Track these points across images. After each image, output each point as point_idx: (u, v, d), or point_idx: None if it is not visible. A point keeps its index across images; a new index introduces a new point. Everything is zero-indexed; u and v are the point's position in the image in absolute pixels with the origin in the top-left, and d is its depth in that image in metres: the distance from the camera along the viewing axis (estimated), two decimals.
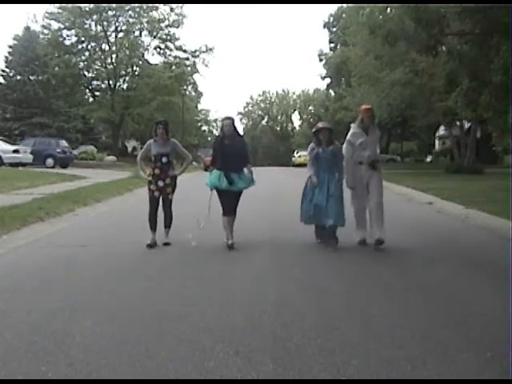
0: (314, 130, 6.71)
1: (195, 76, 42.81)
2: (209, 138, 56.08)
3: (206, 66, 40.08)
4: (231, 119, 6.66)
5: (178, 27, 38.50)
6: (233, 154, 6.41)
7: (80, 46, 37.20)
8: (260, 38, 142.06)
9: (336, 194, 6.50)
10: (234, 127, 6.63)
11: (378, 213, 6.46)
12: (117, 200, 12.62)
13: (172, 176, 6.73)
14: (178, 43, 39.36)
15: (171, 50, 39.75)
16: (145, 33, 38.28)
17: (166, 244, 6.65)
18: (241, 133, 7.10)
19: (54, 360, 3.15)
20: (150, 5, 36.54)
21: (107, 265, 5.61)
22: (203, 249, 6.45)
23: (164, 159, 6.67)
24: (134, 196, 13.54)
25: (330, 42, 46.45)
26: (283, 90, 79.71)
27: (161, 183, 6.66)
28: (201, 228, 6.56)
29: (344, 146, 6.74)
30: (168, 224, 6.80)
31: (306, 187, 6.77)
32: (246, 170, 6.66)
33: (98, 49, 37.56)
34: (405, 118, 32.08)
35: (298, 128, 74.65)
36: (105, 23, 36.51)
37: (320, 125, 6.73)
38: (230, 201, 6.58)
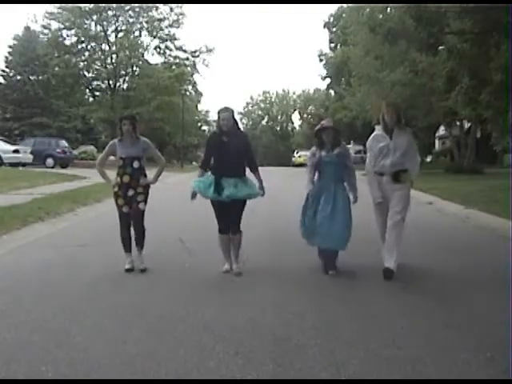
0: (316, 128, 5.49)
1: (195, 76, 42.84)
2: None
3: (207, 66, 40.14)
4: (230, 111, 5.19)
5: (177, 27, 38.52)
6: (232, 155, 5.10)
7: (80, 46, 37.16)
8: (260, 38, 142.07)
9: (343, 207, 5.27)
10: (234, 121, 5.24)
11: (392, 235, 5.14)
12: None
13: (144, 184, 5.43)
14: (177, 43, 39.34)
15: (171, 50, 39.73)
16: (144, 33, 38.27)
17: (143, 270, 5.33)
18: (242, 128, 5.80)
19: (54, 360, 3.15)
20: (150, 5, 36.54)
21: (107, 265, 5.61)
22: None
23: (135, 164, 5.36)
24: None
25: (330, 41, 46.41)
26: (283, 90, 79.74)
27: (131, 192, 5.35)
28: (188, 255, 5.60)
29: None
30: (139, 241, 5.46)
31: (306, 199, 5.51)
32: (253, 177, 5.42)
33: (97, 49, 37.50)
34: (405, 119, 32.06)
35: (297, 128, 74.59)
36: (105, 23, 36.48)
37: (324, 123, 5.48)
38: (225, 214, 5.25)
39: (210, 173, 5.28)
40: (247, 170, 5.38)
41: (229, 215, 5.25)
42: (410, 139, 5.34)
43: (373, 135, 5.44)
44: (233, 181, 5.13)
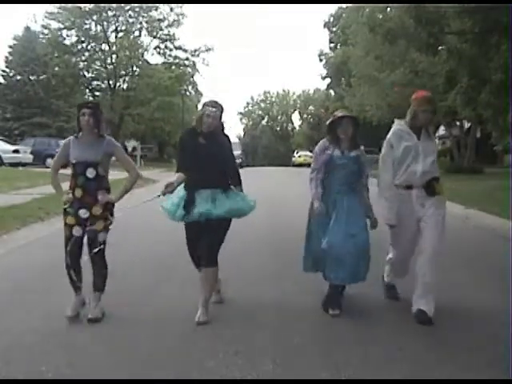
0: (329, 120, 4.17)
1: (195, 76, 42.86)
2: None
3: (207, 65, 40.11)
4: (219, 107, 4.00)
5: (177, 27, 38.56)
6: (211, 161, 3.91)
7: (80, 46, 37.19)
8: (260, 37, 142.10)
9: (360, 229, 4.01)
10: (221, 121, 4.08)
11: (427, 270, 3.87)
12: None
13: (105, 203, 3.93)
14: (177, 43, 39.40)
15: (171, 50, 39.77)
16: (144, 33, 38.32)
17: (92, 321, 3.83)
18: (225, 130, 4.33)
19: (54, 360, 3.15)
20: (150, 5, 36.56)
21: (108, 262, 5.60)
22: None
23: (90, 172, 3.88)
24: (135, 196, 13.53)
25: (330, 41, 46.43)
26: (283, 90, 79.76)
27: (84, 213, 3.89)
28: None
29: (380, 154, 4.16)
30: (99, 284, 3.98)
31: (309, 221, 4.25)
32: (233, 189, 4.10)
33: (97, 49, 37.52)
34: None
35: (298, 128, 74.61)
36: (105, 23, 36.50)
37: (339, 113, 4.18)
38: (197, 238, 3.98)
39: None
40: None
41: (202, 239, 3.94)
42: (435, 144, 4.34)
43: (394, 129, 4.12)
44: (209, 194, 3.90)
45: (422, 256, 3.93)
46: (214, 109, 3.94)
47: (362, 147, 4.22)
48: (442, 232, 3.94)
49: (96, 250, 3.90)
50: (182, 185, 4.01)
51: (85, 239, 3.95)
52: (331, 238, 3.94)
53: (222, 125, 4.14)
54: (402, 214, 3.97)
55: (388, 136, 4.11)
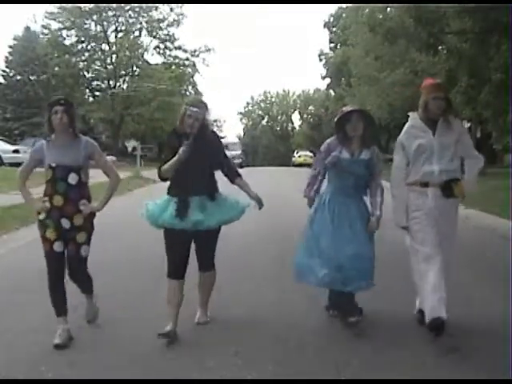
0: (337, 117, 3.74)
1: (195, 76, 42.89)
2: None
3: (207, 65, 40.14)
4: (203, 107, 3.62)
5: (177, 27, 38.60)
6: (197, 164, 3.57)
7: (80, 46, 37.24)
8: (260, 37, 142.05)
9: (363, 229, 3.69)
10: (205, 119, 3.66)
11: (440, 277, 3.51)
12: (117, 200, 12.61)
13: (87, 214, 3.52)
14: (177, 43, 39.44)
15: (171, 50, 39.81)
16: (144, 33, 38.36)
17: (91, 321, 3.80)
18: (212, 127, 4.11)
19: (54, 360, 3.15)
20: (150, 5, 36.59)
21: (106, 265, 5.60)
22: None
23: (72, 178, 3.46)
24: (135, 196, 13.53)
25: (330, 41, 46.41)
26: (283, 90, 79.76)
27: (66, 224, 3.46)
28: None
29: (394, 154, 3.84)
30: (86, 288, 3.75)
31: (311, 219, 3.82)
32: (222, 192, 3.77)
33: (97, 49, 37.57)
34: (406, 119, 32.16)
35: (298, 128, 74.63)
36: (105, 23, 36.53)
37: (348, 108, 3.80)
38: (183, 247, 3.66)
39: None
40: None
41: (197, 247, 3.73)
42: (461, 132, 3.81)
43: (406, 127, 3.82)
44: (198, 201, 3.55)
45: (436, 260, 3.55)
46: (195, 109, 3.56)
47: (376, 147, 3.80)
48: (454, 241, 3.75)
49: (79, 264, 3.53)
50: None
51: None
52: (333, 246, 3.57)
53: (208, 124, 3.75)
54: (420, 207, 3.64)
55: (399, 136, 3.83)
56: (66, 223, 3.46)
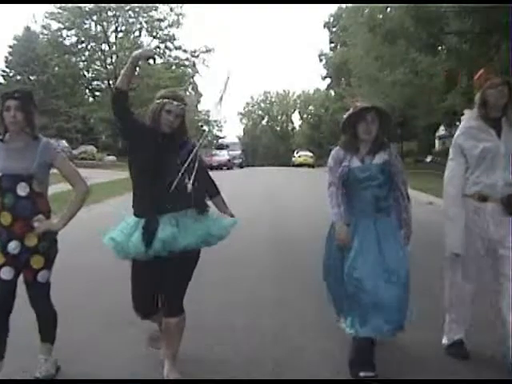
0: (347, 114, 3.08)
1: (195, 77, 42.93)
2: (209, 138, 56.01)
3: (207, 66, 40.14)
4: (183, 100, 2.90)
5: (177, 27, 38.60)
6: (173, 172, 2.78)
7: (80, 46, 37.25)
8: (260, 38, 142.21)
9: (398, 261, 2.98)
10: (184, 121, 2.91)
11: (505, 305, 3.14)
12: (117, 200, 12.61)
13: (43, 232, 2.88)
14: (177, 43, 39.46)
15: (171, 50, 39.83)
16: (144, 33, 38.40)
17: (44, 378, 2.89)
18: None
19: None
20: (150, 5, 36.59)
21: (106, 265, 5.60)
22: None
23: (22, 189, 2.82)
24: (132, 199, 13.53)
25: (330, 41, 46.48)
26: (283, 90, 79.78)
27: (14, 248, 2.82)
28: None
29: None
30: (47, 334, 3.00)
31: (329, 234, 3.19)
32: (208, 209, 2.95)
33: (97, 49, 37.59)
34: (406, 119, 32.15)
35: (298, 128, 74.65)
36: (104, 23, 36.54)
37: (362, 104, 3.08)
38: (150, 278, 2.91)
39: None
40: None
41: (162, 280, 2.86)
42: None
43: (463, 128, 3.15)
44: (170, 218, 2.78)
45: (503, 284, 3.11)
46: (175, 105, 2.82)
47: (394, 145, 3.21)
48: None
49: (39, 293, 2.93)
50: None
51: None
52: (358, 275, 2.91)
53: (186, 126, 2.95)
54: (469, 232, 3.05)
55: (455, 136, 3.16)
56: (14, 247, 2.80)
